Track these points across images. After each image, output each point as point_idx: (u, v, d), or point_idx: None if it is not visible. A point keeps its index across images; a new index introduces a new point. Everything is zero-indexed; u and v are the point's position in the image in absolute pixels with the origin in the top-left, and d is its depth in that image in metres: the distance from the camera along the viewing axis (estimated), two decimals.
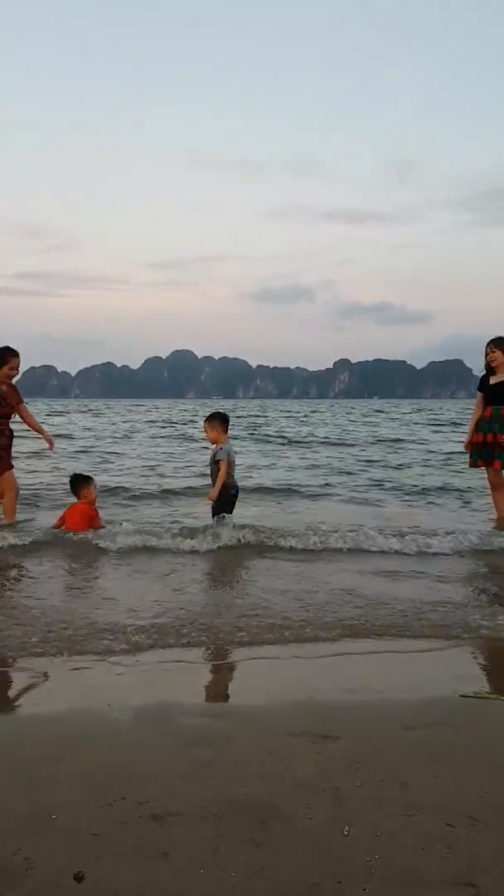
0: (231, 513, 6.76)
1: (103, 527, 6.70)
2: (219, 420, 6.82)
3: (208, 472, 7.11)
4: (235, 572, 5.45)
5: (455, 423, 34.26)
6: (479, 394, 7.39)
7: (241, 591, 4.86)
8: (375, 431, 28.20)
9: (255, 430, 28.31)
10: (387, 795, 2.25)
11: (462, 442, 7.89)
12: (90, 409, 62.08)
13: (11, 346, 7.07)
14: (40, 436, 7.44)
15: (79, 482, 6.90)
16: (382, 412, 56.59)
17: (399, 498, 9.99)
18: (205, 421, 6.91)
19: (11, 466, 7.09)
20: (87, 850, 1.96)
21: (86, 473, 7.17)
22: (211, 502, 6.75)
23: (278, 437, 24.09)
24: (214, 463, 6.74)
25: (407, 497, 10.06)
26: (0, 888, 1.80)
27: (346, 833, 2.05)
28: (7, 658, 3.57)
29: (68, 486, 7.11)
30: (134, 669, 3.42)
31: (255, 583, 5.09)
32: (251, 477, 11.87)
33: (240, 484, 7.24)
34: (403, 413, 53.54)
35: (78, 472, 7.33)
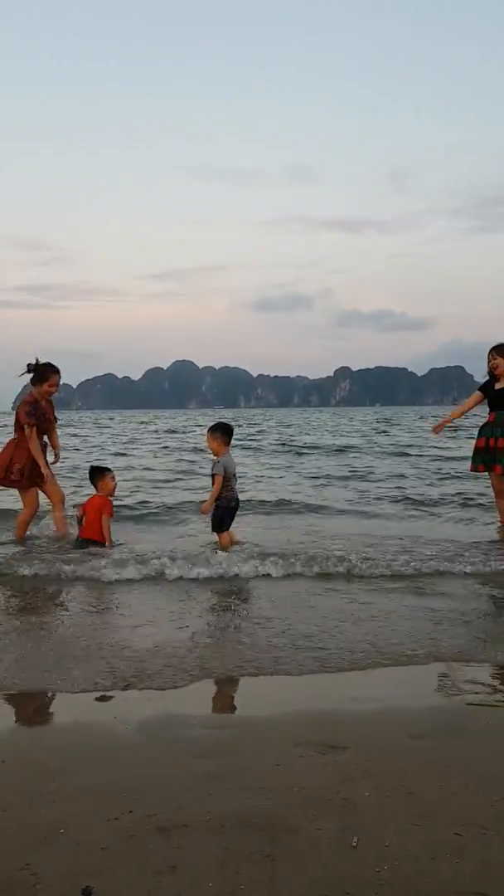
0: (229, 526, 6.67)
1: (112, 515, 6.70)
2: (221, 431, 6.72)
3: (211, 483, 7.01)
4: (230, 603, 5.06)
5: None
6: (478, 392, 7.39)
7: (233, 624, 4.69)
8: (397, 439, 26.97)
9: (286, 442, 26.38)
10: (395, 805, 2.25)
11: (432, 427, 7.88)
12: (95, 421, 61.99)
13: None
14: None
15: (95, 473, 6.88)
16: (389, 420, 55.92)
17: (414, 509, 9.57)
18: (207, 431, 6.82)
19: (37, 484, 6.99)
20: (95, 865, 1.95)
21: (103, 465, 7.14)
22: (204, 515, 6.73)
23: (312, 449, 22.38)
24: (212, 475, 6.69)
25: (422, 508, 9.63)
26: None
27: (354, 844, 2.04)
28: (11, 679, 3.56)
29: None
30: (137, 685, 3.41)
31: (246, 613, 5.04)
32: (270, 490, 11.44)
33: (268, 497, 7.17)
34: (413, 421, 52.92)
35: (95, 463, 7.28)
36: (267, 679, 3.46)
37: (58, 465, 7.41)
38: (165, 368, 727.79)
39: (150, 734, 2.82)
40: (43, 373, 6.94)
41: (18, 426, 6.90)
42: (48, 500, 7.13)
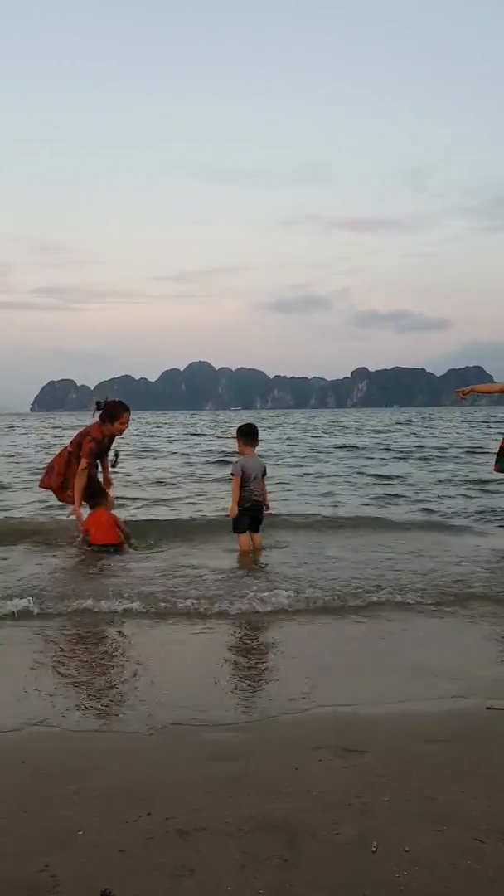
0: (246, 528, 6.62)
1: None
2: (241, 433, 6.76)
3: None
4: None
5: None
6: None
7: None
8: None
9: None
10: (414, 810, 2.23)
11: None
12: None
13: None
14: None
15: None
16: (412, 422, 55.01)
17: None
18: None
19: (105, 496, 7.03)
20: (114, 867, 1.95)
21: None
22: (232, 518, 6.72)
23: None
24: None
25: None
26: None
27: (373, 849, 2.03)
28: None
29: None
30: (157, 687, 3.41)
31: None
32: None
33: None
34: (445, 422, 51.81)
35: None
36: (284, 681, 3.45)
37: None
38: (182, 370, 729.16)
39: (167, 736, 2.82)
40: (114, 410, 6.78)
41: (76, 449, 6.84)
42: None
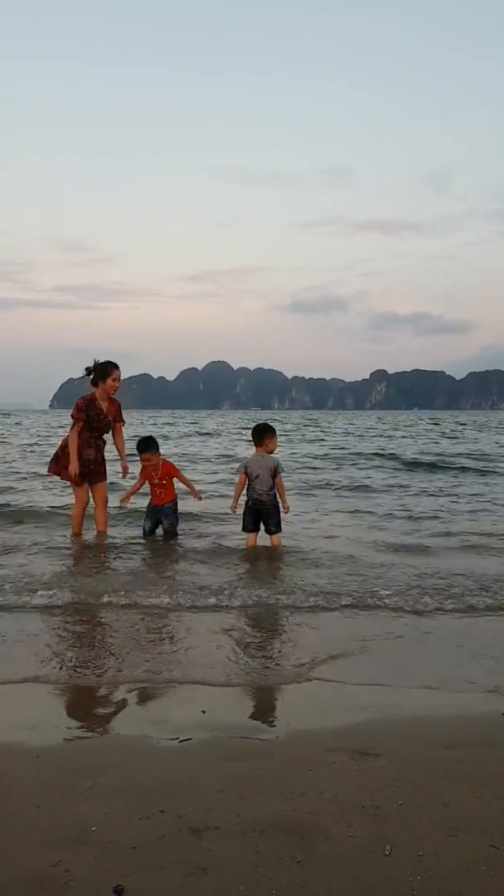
0: (255, 527, 6.64)
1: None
2: (251, 432, 6.84)
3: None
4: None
5: None
6: None
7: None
8: None
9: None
10: (428, 815, 2.21)
11: None
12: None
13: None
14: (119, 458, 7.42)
15: (140, 445, 7.20)
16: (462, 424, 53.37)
17: None
18: None
19: (102, 480, 7.20)
20: (126, 864, 1.95)
21: (151, 437, 7.28)
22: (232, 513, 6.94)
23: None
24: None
25: None
26: None
27: (387, 853, 2.02)
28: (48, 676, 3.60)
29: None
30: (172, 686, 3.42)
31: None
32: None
33: None
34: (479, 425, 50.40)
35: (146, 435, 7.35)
36: (299, 685, 3.44)
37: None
38: (200, 369, 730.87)
39: (181, 735, 2.81)
40: (104, 369, 7.04)
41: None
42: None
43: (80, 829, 2.12)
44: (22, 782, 2.42)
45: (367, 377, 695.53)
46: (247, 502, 6.65)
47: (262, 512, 6.61)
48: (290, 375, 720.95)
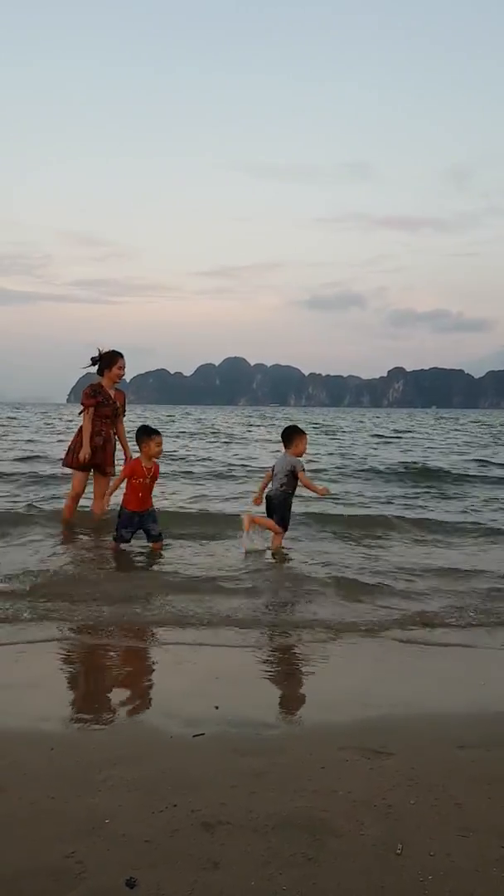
0: (273, 519, 6.60)
1: (134, 477, 6.25)
2: (281, 434, 6.94)
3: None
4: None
5: None
6: None
7: None
8: None
9: None
10: (441, 815, 2.21)
11: None
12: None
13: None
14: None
15: (140, 434, 6.35)
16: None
17: None
18: None
19: (107, 475, 7.19)
20: (139, 857, 1.97)
21: (152, 427, 6.51)
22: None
23: None
24: None
25: None
26: (54, 890, 1.82)
27: (398, 852, 2.02)
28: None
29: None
30: (186, 678, 3.43)
31: None
32: None
33: None
34: None
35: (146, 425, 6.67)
36: (311, 676, 3.45)
37: None
38: (217, 365, 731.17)
39: (194, 729, 2.82)
40: (110, 358, 7.16)
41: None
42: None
43: (94, 821, 2.14)
44: (36, 774, 2.44)
45: (385, 375, 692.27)
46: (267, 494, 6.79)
47: (270, 506, 6.64)
48: (306, 372, 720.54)
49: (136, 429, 6.44)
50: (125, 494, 6.28)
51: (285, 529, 6.65)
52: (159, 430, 6.41)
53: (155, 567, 5.82)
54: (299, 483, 6.57)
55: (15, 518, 7.75)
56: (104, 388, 7.17)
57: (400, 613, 4.53)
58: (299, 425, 7.02)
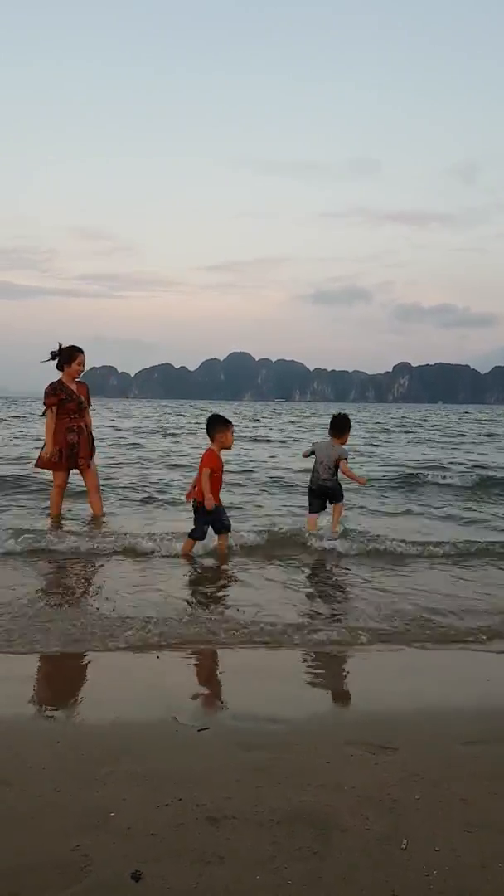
0: (316, 507, 6.98)
1: (216, 469, 6.05)
2: (331, 422, 7.19)
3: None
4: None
5: None
6: None
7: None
8: None
9: None
10: (446, 811, 2.21)
11: None
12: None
13: (57, 342, 7.36)
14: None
15: (214, 423, 6.22)
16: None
17: None
18: None
19: (87, 466, 7.30)
20: (144, 850, 1.97)
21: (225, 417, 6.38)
22: None
23: None
24: None
25: None
26: (59, 883, 1.83)
27: (403, 847, 2.02)
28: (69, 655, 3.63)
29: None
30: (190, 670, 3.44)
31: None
32: None
33: None
34: None
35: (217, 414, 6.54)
36: (317, 670, 3.45)
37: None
38: (222, 360, 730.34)
39: (200, 723, 2.83)
40: (69, 353, 7.24)
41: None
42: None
43: (100, 814, 2.14)
44: (42, 767, 2.45)
45: (390, 370, 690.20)
46: (310, 487, 7.04)
47: (326, 493, 6.96)
48: (311, 367, 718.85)
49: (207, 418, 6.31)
50: (208, 488, 5.96)
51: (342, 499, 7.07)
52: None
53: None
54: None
55: None
56: (65, 384, 7.22)
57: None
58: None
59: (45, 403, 7.17)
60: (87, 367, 7.37)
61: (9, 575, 5.22)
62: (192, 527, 6.10)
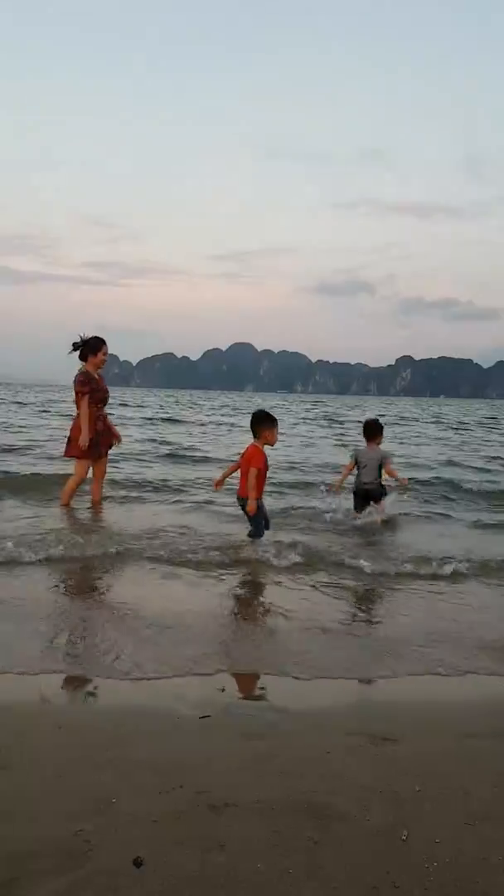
0: (359, 508, 7.32)
1: (264, 468, 5.97)
2: (363, 428, 7.67)
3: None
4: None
5: None
6: None
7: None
8: None
9: None
10: (447, 803, 2.22)
11: None
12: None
13: (74, 334, 7.33)
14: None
15: (261, 420, 6.12)
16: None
17: None
18: None
19: (105, 455, 7.37)
20: (146, 836, 1.98)
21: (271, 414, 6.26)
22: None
23: None
24: None
25: None
26: (62, 867, 1.83)
27: (404, 838, 2.03)
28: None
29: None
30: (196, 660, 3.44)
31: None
32: None
33: None
34: None
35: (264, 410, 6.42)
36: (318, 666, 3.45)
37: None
38: (224, 350, 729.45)
39: (203, 712, 2.83)
40: (95, 344, 7.23)
41: (77, 398, 7.17)
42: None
43: (102, 800, 2.15)
44: (45, 752, 2.46)
45: (393, 363, 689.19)
46: (354, 490, 7.47)
47: (369, 496, 7.34)
48: (314, 359, 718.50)
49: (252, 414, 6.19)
50: (255, 484, 5.88)
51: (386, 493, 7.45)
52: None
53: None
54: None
55: None
56: (93, 377, 7.22)
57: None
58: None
59: (78, 391, 7.13)
60: None
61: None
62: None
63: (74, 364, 7.22)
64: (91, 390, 7.12)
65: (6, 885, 1.78)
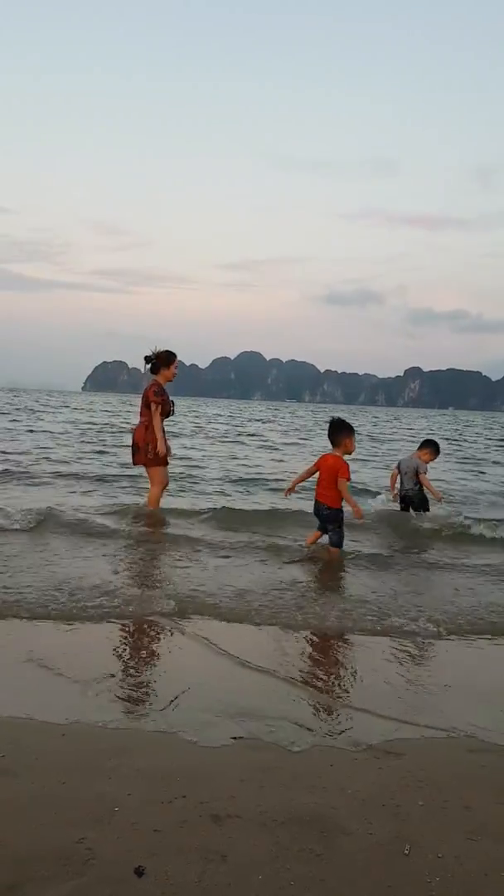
0: (401, 509, 8.00)
1: (349, 478, 6.04)
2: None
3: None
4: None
5: None
6: None
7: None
8: None
9: None
10: (450, 818, 2.21)
11: None
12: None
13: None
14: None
15: (340, 428, 6.14)
16: None
17: None
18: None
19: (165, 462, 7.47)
20: (148, 845, 1.98)
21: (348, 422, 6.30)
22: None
23: None
24: None
25: None
26: (63, 875, 1.84)
27: (406, 852, 2.02)
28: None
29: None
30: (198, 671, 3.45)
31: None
32: None
33: None
34: None
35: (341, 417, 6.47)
36: (319, 674, 3.44)
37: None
38: (233, 358, 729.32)
39: (205, 723, 2.83)
40: (168, 357, 7.47)
41: (146, 406, 7.38)
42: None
43: (104, 808, 2.15)
44: (48, 759, 2.46)
45: (401, 374, 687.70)
46: (399, 494, 8.08)
47: (408, 501, 7.99)
48: (322, 369, 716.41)
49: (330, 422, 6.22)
50: (348, 496, 5.99)
51: (427, 509, 7.99)
52: None
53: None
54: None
55: None
56: (164, 389, 7.46)
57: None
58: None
59: (154, 402, 7.32)
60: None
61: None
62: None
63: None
64: (162, 401, 7.35)
65: (7, 891, 1.78)
